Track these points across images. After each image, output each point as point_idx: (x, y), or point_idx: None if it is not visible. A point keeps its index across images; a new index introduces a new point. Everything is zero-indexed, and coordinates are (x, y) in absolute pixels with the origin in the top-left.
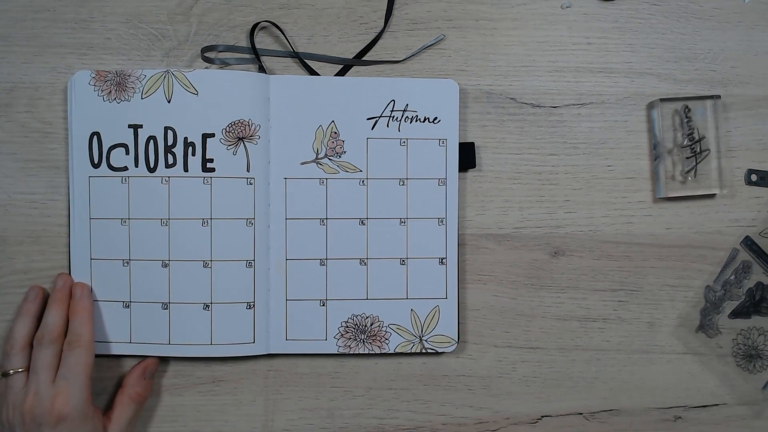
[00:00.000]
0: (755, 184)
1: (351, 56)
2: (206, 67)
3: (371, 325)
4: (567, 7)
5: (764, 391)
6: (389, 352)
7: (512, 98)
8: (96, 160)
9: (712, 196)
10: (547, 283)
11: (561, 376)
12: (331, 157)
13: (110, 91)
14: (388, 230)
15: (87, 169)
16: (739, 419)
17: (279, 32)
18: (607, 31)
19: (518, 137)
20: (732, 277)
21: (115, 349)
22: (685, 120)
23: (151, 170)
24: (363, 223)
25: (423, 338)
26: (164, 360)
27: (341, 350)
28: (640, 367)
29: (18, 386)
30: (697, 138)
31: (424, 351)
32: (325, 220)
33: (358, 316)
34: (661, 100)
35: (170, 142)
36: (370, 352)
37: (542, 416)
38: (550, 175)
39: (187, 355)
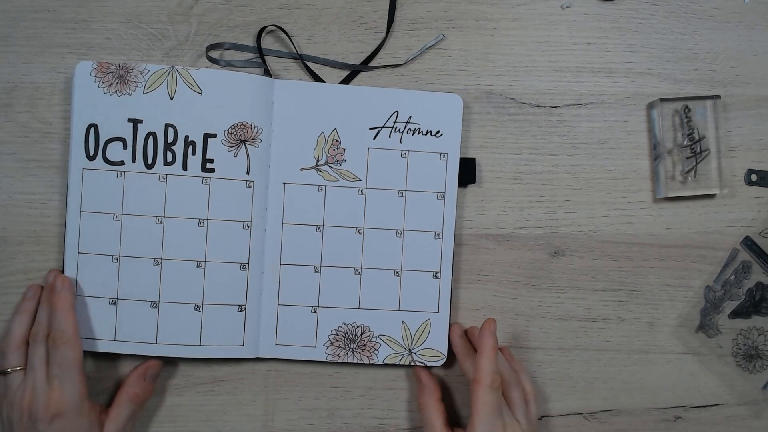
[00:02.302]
0: (755, 184)
1: (351, 56)
2: (206, 67)
3: (361, 334)
4: (567, 7)
5: (764, 391)
6: (378, 363)
7: (512, 98)
8: (91, 153)
9: (712, 196)
10: (547, 283)
11: (561, 376)
12: (331, 165)
13: (111, 84)
14: (384, 241)
15: (82, 161)
16: (739, 419)
17: (282, 33)
18: (607, 31)
19: (518, 137)
20: (732, 277)
21: (100, 347)
22: (685, 120)
23: (149, 167)
24: (359, 233)
25: (413, 351)
26: (165, 360)
27: (330, 358)
28: (640, 367)
29: (16, 383)
30: (697, 138)
31: (413, 363)
32: (321, 227)
33: (349, 325)
34: (661, 100)
35: (170, 139)
36: (359, 362)
37: (542, 416)
38: (550, 175)
39: (174, 356)
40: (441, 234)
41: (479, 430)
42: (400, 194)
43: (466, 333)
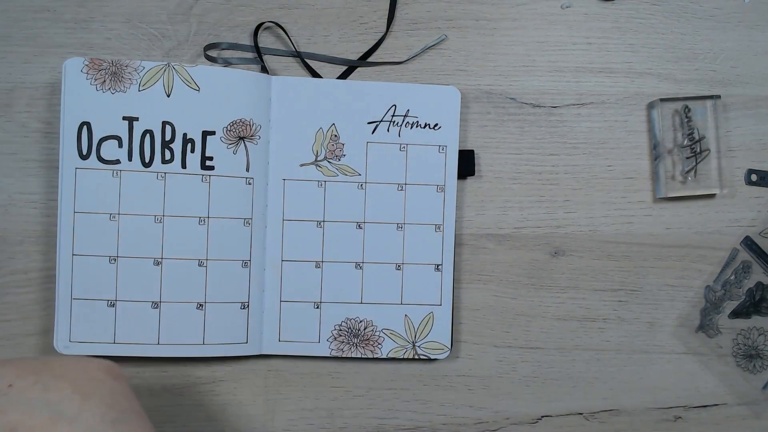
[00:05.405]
0: (755, 184)
1: (351, 56)
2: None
3: (365, 329)
4: (567, 7)
5: (764, 391)
6: (381, 356)
7: (512, 98)
8: (84, 152)
9: (712, 196)
10: (547, 283)
11: (561, 376)
12: (330, 160)
13: (104, 81)
14: (385, 235)
15: (74, 161)
16: (739, 419)
17: (281, 31)
18: (607, 31)
19: (518, 137)
20: (732, 277)
21: (97, 350)
22: (685, 120)
23: (146, 165)
24: (360, 227)
25: (416, 344)
26: (165, 360)
27: (334, 353)
28: (640, 367)
29: None
30: (697, 138)
31: (416, 357)
32: (322, 223)
33: (352, 320)
34: (661, 100)
35: (168, 137)
36: (363, 356)
37: (542, 416)
38: (550, 175)
39: (177, 356)
40: (442, 227)
41: None
42: (399, 188)
43: None
